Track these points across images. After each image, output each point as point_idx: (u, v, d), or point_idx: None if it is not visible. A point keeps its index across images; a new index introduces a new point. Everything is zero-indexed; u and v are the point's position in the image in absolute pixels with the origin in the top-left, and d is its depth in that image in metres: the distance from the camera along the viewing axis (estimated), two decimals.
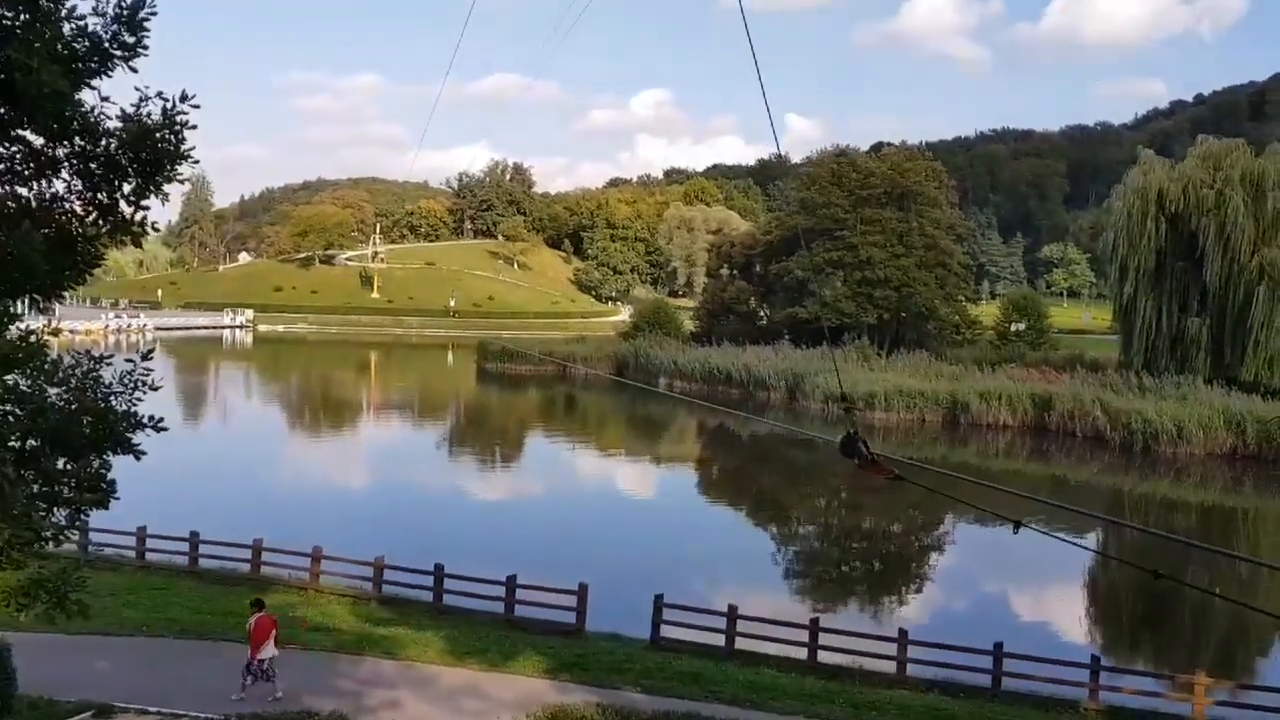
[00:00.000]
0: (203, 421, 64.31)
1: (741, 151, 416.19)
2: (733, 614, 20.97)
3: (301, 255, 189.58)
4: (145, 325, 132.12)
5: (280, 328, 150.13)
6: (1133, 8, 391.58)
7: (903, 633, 20.29)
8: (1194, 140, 68.53)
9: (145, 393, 8.63)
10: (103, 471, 8.50)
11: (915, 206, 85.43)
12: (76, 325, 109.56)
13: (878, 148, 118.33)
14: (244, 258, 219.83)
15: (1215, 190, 58.53)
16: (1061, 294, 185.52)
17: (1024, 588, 31.36)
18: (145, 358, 8.72)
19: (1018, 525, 5.76)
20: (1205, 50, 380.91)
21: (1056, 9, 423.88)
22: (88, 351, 8.67)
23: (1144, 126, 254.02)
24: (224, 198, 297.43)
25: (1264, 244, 57.56)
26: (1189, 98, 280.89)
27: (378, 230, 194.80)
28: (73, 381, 8.37)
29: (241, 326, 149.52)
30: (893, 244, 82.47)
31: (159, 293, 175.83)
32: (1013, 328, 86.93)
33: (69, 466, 8.18)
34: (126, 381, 8.56)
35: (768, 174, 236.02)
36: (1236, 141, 63.56)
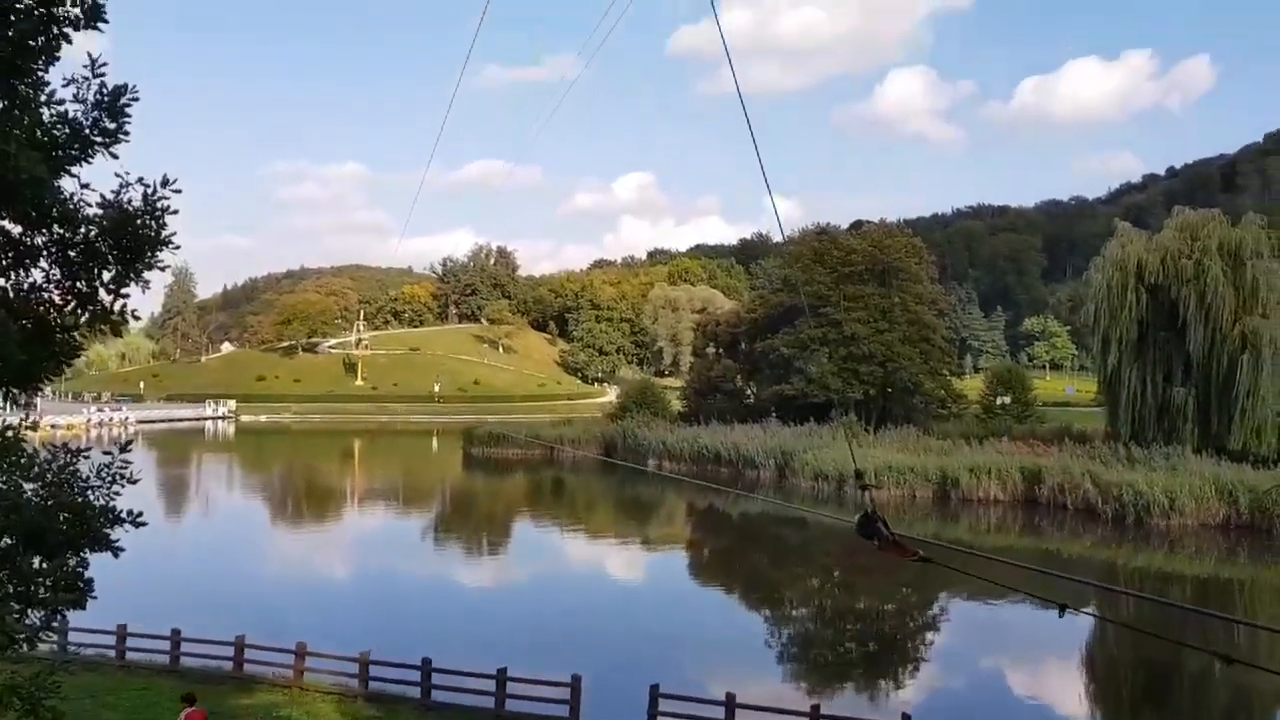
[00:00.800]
0: (184, 515, 63.37)
1: (724, 231, 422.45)
2: (731, 702, 20.39)
3: (285, 344, 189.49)
4: (127, 418, 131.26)
5: (263, 418, 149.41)
6: (1102, 84, 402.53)
7: (905, 717, 19.74)
8: (1168, 212, 69.30)
9: (124, 486, 8.32)
10: (80, 570, 8.14)
11: (897, 282, 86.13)
12: (58, 419, 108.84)
13: (858, 225, 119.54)
14: (226, 347, 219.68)
15: (1194, 260, 59.08)
16: (1044, 366, 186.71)
17: (1022, 665, 30.79)
18: (123, 450, 8.42)
19: (1063, 609, 5.45)
20: (1175, 124, 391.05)
21: (1027, 88, 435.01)
22: (65, 445, 8.37)
23: (1118, 200, 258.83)
24: (207, 288, 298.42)
25: (1245, 312, 57.98)
26: (1161, 171, 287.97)
27: (361, 317, 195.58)
28: (49, 476, 8.06)
29: (224, 417, 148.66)
30: (876, 319, 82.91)
31: (141, 385, 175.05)
32: (998, 401, 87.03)
33: (44, 565, 7.83)
34: (104, 475, 8.25)
35: (750, 253, 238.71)
36: (1213, 212, 64.37)
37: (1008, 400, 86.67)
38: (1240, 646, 26.11)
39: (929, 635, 35.64)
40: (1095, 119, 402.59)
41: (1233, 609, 38.66)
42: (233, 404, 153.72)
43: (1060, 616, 5.50)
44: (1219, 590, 41.73)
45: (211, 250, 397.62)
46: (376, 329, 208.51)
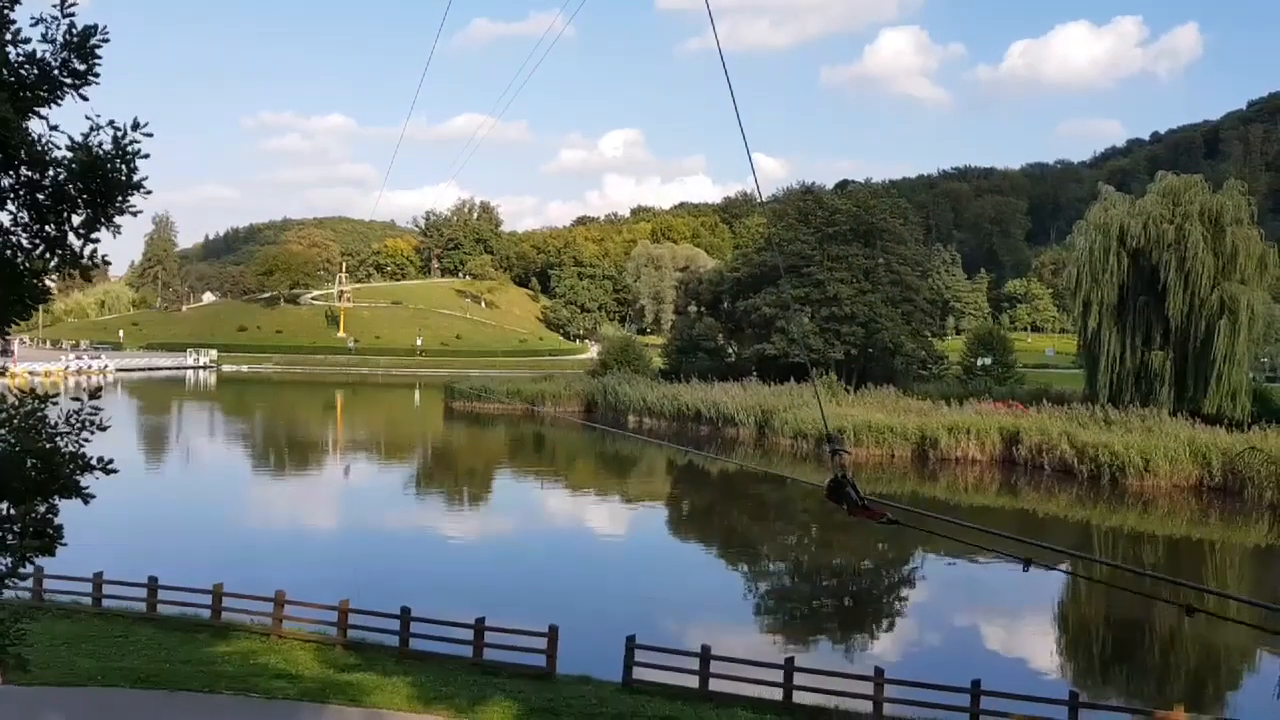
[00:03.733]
0: (163, 463, 63.27)
1: (709, 191, 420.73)
2: (706, 654, 20.58)
3: (266, 295, 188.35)
4: (106, 366, 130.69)
5: (245, 368, 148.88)
6: (1091, 50, 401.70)
7: (879, 671, 19.97)
8: (1151, 177, 69.48)
9: (93, 433, 8.23)
10: (49, 517, 8.07)
11: (881, 243, 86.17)
12: (36, 367, 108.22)
13: (843, 185, 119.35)
14: (208, 298, 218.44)
15: (1175, 225, 59.30)
16: (1026, 329, 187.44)
17: (994, 622, 31.19)
18: (93, 396, 8.33)
19: (1027, 564, 5.51)
20: (1161, 90, 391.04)
21: (1016, 52, 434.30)
22: (32, 390, 8.29)
23: (1102, 164, 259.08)
24: (189, 238, 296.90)
25: (1224, 278, 58.32)
26: (1146, 136, 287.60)
27: (344, 269, 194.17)
28: (15, 422, 7.96)
29: (205, 367, 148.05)
30: (859, 280, 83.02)
31: (121, 334, 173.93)
32: (979, 362, 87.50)
33: (11, 512, 7.76)
34: (74, 422, 8.16)
35: (734, 212, 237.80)
36: (1195, 178, 64.50)
37: (988, 362, 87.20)
38: (1208, 604, 26.48)
39: (904, 591, 36.04)
40: (1083, 84, 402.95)
41: (1203, 568, 39.24)
42: (214, 354, 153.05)
43: (1025, 571, 5.55)
44: (1190, 550, 42.30)
45: (194, 200, 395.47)
46: (359, 282, 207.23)
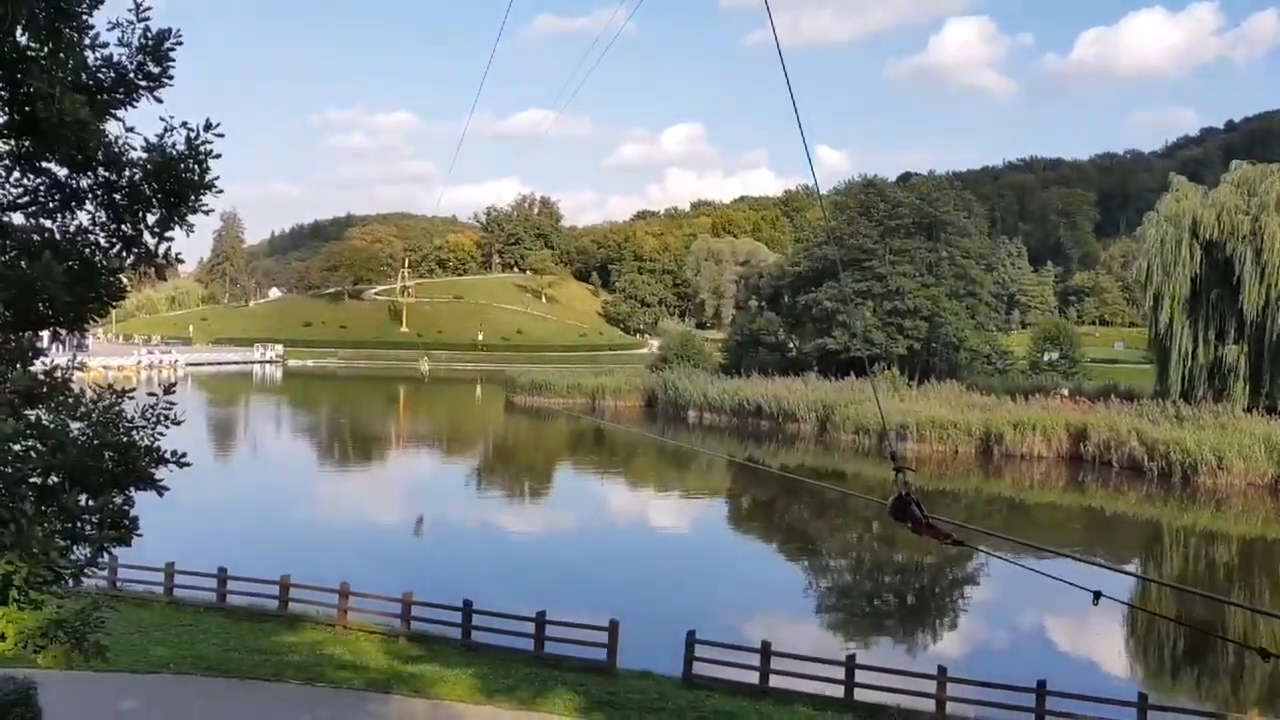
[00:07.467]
0: (233, 456, 64.53)
1: (771, 184, 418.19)
2: (766, 650, 20.51)
3: (331, 290, 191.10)
4: (177, 361, 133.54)
5: (310, 362, 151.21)
6: (1165, 37, 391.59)
7: (942, 670, 19.75)
8: (1226, 167, 67.75)
9: (168, 427, 8.45)
10: (125, 508, 8.29)
11: (944, 236, 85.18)
12: (109, 361, 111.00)
13: (906, 178, 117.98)
14: (274, 293, 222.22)
15: (1250, 216, 57.80)
16: (1094, 322, 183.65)
17: (1061, 620, 30.65)
18: (168, 391, 8.53)
19: (1097, 596, 5.36)
20: (1237, 77, 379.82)
21: (1086, 40, 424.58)
22: (110, 386, 8.52)
23: (1174, 154, 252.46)
24: (255, 234, 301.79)
25: None
26: (1220, 125, 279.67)
27: (406, 264, 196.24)
28: (95, 416, 8.20)
29: (271, 361, 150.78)
30: (922, 274, 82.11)
31: (190, 329, 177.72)
32: (1045, 357, 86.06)
33: (90, 503, 7.99)
34: (149, 416, 8.38)
35: (795, 205, 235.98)
36: (1271, 166, 62.68)
37: (1055, 356, 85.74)
38: None
39: (968, 588, 35.58)
40: (1155, 72, 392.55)
41: (1277, 566, 38.27)
42: (280, 348, 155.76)
43: (1095, 604, 5.39)
44: (1264, 551, 41.25)
45: (261, 196, 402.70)
46: (421, 277, 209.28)
